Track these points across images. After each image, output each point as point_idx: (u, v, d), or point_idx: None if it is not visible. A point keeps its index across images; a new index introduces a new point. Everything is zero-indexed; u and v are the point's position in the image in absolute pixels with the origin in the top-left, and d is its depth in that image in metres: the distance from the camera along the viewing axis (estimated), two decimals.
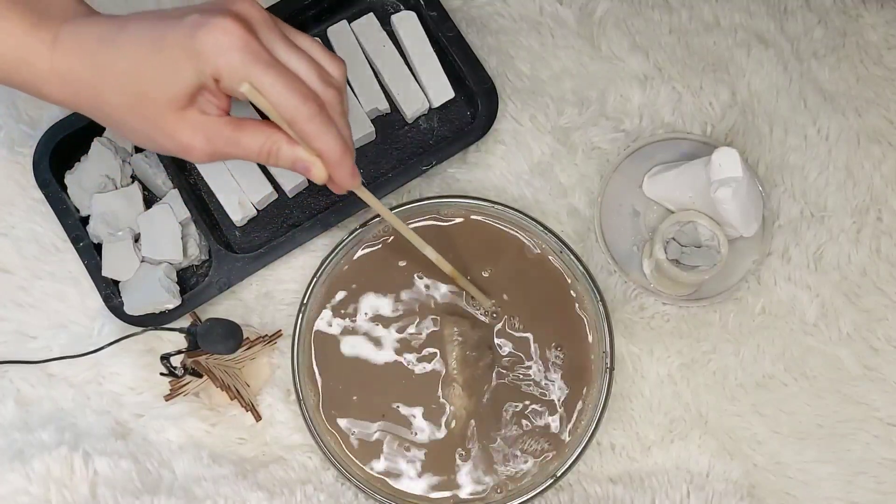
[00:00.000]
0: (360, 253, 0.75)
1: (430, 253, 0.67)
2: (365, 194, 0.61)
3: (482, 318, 0.73)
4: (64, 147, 0.75)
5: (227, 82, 0.53)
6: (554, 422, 0.72)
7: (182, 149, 0.56)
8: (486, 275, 0.74)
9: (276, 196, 0.77)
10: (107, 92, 0.55)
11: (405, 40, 0.78)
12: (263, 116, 0.58)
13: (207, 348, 0.66)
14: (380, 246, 0.75)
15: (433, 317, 0.73)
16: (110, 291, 0.73)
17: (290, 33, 0.57)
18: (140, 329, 0.70)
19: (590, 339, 0.74)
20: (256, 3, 0.55)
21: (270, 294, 0.76)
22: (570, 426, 0.72)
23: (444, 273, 0.69)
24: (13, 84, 0.57)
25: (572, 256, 0.73)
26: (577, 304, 0.74)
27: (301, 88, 0.54)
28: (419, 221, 0.75)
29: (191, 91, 0.54)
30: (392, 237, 0.75)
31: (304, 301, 0.73)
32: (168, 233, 0.73)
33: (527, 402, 0.72)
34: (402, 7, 0.80)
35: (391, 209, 0.74)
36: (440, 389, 0.72)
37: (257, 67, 0.52)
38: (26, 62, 0.55)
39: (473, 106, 0.78)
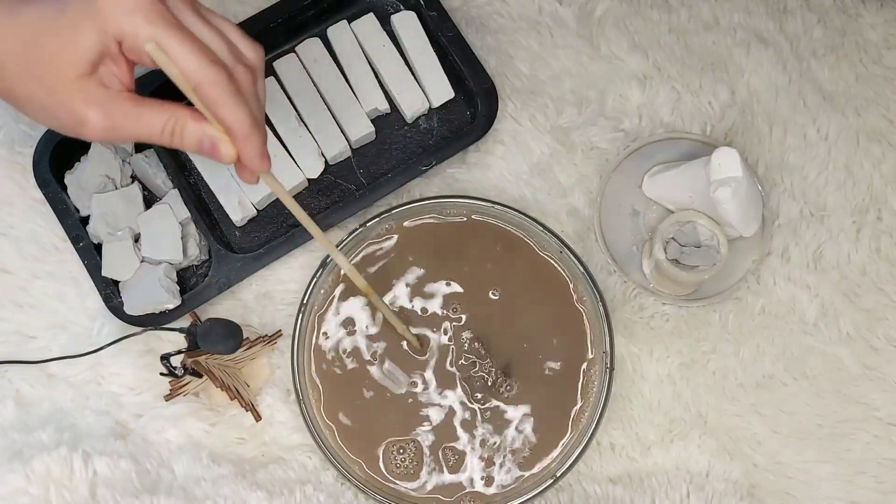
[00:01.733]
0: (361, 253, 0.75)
1: (342, 262, 0.63)
2: (273, 183, 0.57)
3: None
4: (64, 147, 0.75)
5: (132, 41, 0.50)
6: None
7: (77, 121, 0.52)
8: (483, 274, 0.74)
9: (276, 196, 0.77)
10: (7, 61, 0.52)
11: (405, 40, 0.78)
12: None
13: (207, 348, 0.66)
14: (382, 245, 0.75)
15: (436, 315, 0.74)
16: (110, 291, 0.73)
17: (202, 10, 0.54)
18: (140, 329, 0.70)
19: (589, 338, 0.73)
20: None
21: (270, 294, 0.76)
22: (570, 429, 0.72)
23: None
24: None
25: (572, 256, 0.73)
26: (576, 304, 0.74)
27: (208, 54, 0.51)
28: (419, 221, 0.75)
29: (92, 55, 0.51)
30: (396, 236, 0.75)
31: (304, 301, 0.73)
32: (168, 233, 0.73)
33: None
34: (402, 7, 0.80)
35: (391, 209, 0.74)
36: (441, 388, 0.73)
37: (162, 27, 0.50)
38: None
39: (473, 106, 0.78)
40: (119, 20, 0.50)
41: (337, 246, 0.73)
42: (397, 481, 0.71)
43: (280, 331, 0.75)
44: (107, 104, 0.52)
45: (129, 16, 0.50)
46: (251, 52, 0.55)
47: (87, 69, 0.51)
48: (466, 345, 0.73)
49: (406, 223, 0.75)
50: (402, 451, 0.72)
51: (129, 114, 0.52)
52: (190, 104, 0.53)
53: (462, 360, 0.73)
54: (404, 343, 0.73)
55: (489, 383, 0.73)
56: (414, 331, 0.72)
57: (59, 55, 0.51)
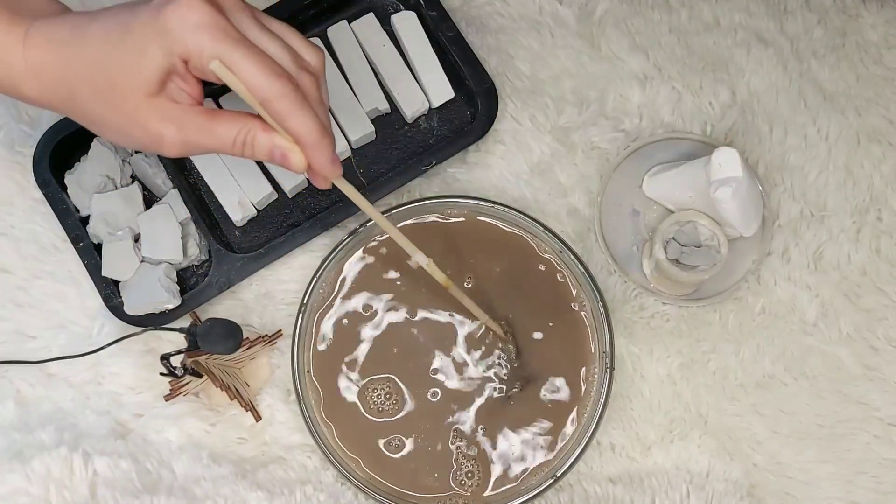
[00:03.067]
0: (358, 254, 0.75)
1: (420, 258, 0.64)
2: (347, 188, 0.58)
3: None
4: (64, 147, 0.75)
5: (197, 61, 0.51)
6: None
7: (153, 139, 0.53)
8: (485, 274, 0.74)
9: (276, 196, 0.77)
10: (78, 83, 0.53)
11: (405, 40, 0.78)
12: None
13: (207, 348, 0.66)
14: (380, 246, 0.75)
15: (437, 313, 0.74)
16: (110, 291, 0.73)
17: (263, 18, 0.55)
18: (140, 329, 0.70)
19: (590, 339, 0.73)
20: None
21: (270, 294, 0.76)
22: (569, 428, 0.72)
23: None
24: None
25: (572, 256, 0.73)
26: (576, 305, 0.74)
27: (274, 67, 0.52)
28: (419, 221, 0.75)
29: (160, 74, 0.52)
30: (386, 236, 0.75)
31: (304, 301, 0.73)
32: (168, 233, 0.73)
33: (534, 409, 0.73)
34: (402, 7, 0.80)
35: (391, 209, 0.74)
36: (441, 387, 0.73)
37: (227, 44, 0.51)
38: (2, 61, 0.54)
39: (473, 106, 0.78)
40: (185, 39, 0.50)
41: (337, 246, 0.74)
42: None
43: (280, 331, 0.75)
44: (180, 119, 0.53)
45: (195, 34, 0.50)
46: (313, 57, 0.56)
47: (157, 88, 0.52)
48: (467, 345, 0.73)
49: (405, 223, 0.75)
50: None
51: (202, 128, 0.53)
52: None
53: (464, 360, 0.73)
54: (490, 332, 0.73)
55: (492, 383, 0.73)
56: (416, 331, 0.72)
57: (127, 77, 0.52)
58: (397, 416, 0.72)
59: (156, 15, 0.50)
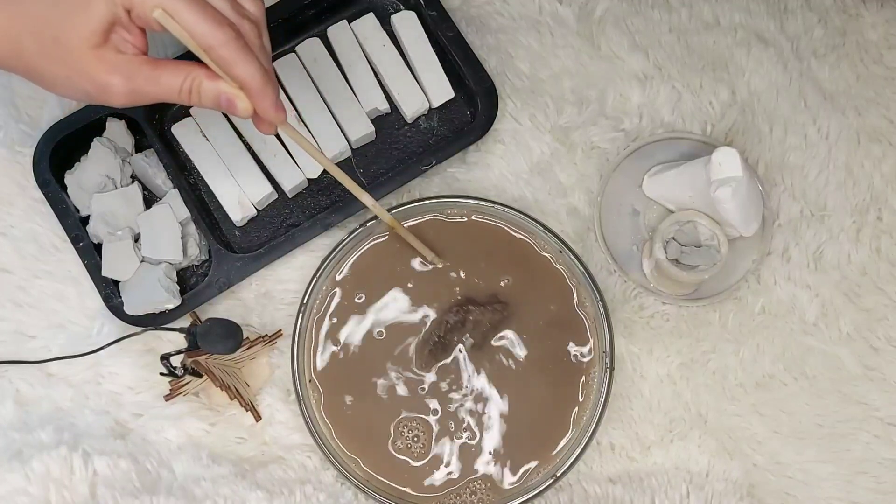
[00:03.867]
0: (359, 253, 0.75)
1: (367, 199, 0.67)
2: (291, 132, 0.60)
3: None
4: (64, 147, 0.75)
5: (140, 9, 0.52)
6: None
7: (100, 89, 0.54)
8: (483, 274, 0.74)
9: (276, 196, 0.77)
10: (23, 39, 0.54)
11: (405, 40, 0.78)
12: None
13: (207, 348, 0.66)
14: (383, 241, 0.75)
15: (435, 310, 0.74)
16: (110, 291, 0.73)
17: None
18: (140, 329, 0.70)
19: (589, 338, 0.73)
20: None
21: (270, 294, 0.76)
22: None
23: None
24: None
25: (572, 256, 0.73)
26: (576, 304, 0.74)
27: (215, 15, 0.53)
28: (419, 221, 0.75)
29: (104, 25, 0.53)
30: (388, 235, 0.75)
31: (304, 301, 0.73)
32: (168, 233, 0.73)
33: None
34: (402, 7, 0.80)
35: (391, 209, 0.74)
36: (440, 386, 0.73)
37: None
38: None
39: (473, 106, 0.78)
40: None
41: (337, 246, 0.74)
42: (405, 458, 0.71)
43: (280, 331, 0.75)
44: (126, 69, 0.54)
45: None
46: (252, 6, 0.57)
47: (102, 39, 0.53)
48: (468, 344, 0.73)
49: (405, 222, 0.75)
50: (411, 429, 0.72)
51: (149, 77, 0.55)
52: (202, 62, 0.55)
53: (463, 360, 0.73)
54: (417, 260, 0.74)
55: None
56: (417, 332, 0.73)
57: (72, 29, 0.53)
58: (398, 414, 0.73)
59: None
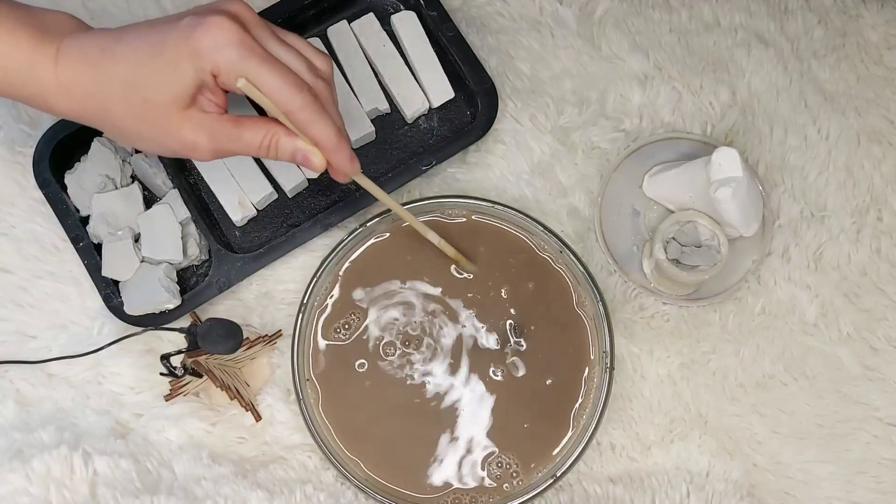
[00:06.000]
0: (358, 252, 0.75)
1: (432, 237, 0.71)
2: (365, 181, 0.64)
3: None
4: (64, 147, 0.75)
5: (225, 77, 0.55)
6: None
7: (187, 148, 0.58)
8: (483, 274, 0.74)
9: (276, 196, 0.77)
10: (111, 101, 0.57)
11: (405, 40, 0.78)
12: (261, 113, 0.61)
13: (207, 348, 0.66)
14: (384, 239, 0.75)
15: (438, 311, 0.74)
16: (110, 291, 0.73)
17: (278, 31, 0.59)
18: (140, 329, 0.70)
19: (590, 339, 0.73)
20: (247, 4, 0.57)
21: (270, 294, 0.76)
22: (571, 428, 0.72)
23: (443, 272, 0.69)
24: (22, 98, 0.59)
25: (572, 256, 0.73)
26: (576, 304, 0.74)
27: (294, 80, 0.56)
28: (419, 221, 0.75)
29: (192, 90, 0.55)
30: (388, 234, 0.75)
31: (304, 301, 0.73)
32: (168, 233, 0.73)
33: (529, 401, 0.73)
34: (402, 7, 0.80)
35: (391, 209, 0.74)
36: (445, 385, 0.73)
37: (252, 61, 0.55)
38: (33, 76, 0.57)
39: (473, 106, 0.78)
40: (215, 58, 0.54)
41: (337, 246, 0.74)
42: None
43: (280, 331, 0.75)
44: (211, 128, 0.57)
45: (224, 52, 0.54)
46: (323, 63, 0.61)
47: (189, 102, 0.56)
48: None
49: (405, 223, 0.75)
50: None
51: (231, 135, 0.58)
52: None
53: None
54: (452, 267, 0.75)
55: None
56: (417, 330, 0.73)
57: (161, 92, 0.55)
58: (398, 415, 0.73)
59: (188, 35, 0.54)
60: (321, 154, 0.59)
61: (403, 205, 0.74)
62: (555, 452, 0.72)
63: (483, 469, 0.72)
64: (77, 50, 0.57)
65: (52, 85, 0.57)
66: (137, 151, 0.76)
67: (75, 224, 0.74)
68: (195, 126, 0.57)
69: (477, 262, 0.74)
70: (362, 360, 0.73)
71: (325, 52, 0.61)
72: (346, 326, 0.74)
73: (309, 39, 0.78)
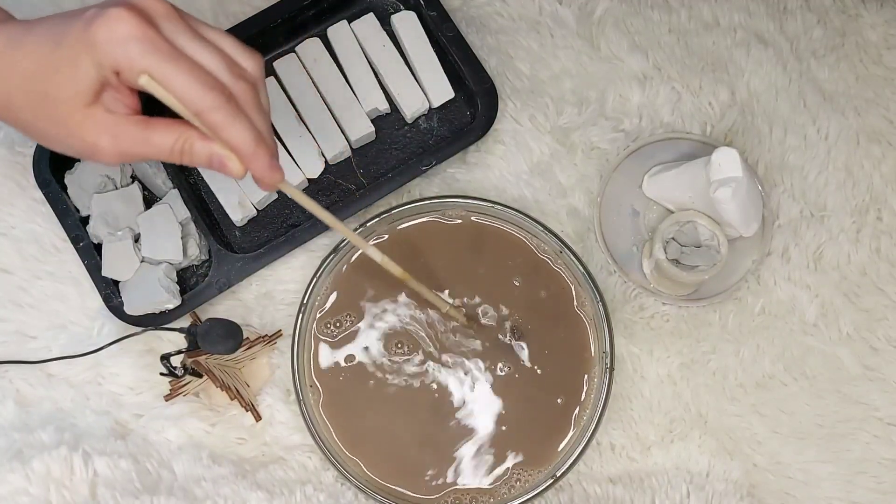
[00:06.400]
0: (358, 253, 0.75)
1: (374, 253, 0.63)
2: (291, 190, 0.58)
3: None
4: None
5: (128, 74, 0.51)
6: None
7: (89, 149, 0.54)
8: (484, 274, 0.74)
9: (276, 196, 0.77)
10: (12, 94, 0.53)
11: (405, 40, 0.78)
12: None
13: (207, 348, 0.66)
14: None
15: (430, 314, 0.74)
16: (110, 291, 0.73)
17: (197, 26, 0.54)
18: (140, 329, 0.70)
19: (590, 339, 0.74)
20: None
21: (270, 294, 0.76)
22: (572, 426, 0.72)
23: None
24: None
25: (572, 256, 0.73)
26: (576, 304, 0.74)
27: (205, 78, 0.52)
28: (419, 221, 0.75)
29: (93, 87, 0.52)
30: (388, 235, 0.75)
31: (304, 301, 0.73)
32: (168, 233, 0.73)
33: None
34: (402, 7, 0.80)
35: (391, 209, 0.74)
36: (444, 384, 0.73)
37: (155, 57, 0.50)
38: None
39: (473, 106, 0.78)
40: (114, 53, 0.50)
41: (337, 246, 0.74)
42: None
43: (280, 331, 0.75)
44: (115, 129, 0.53)
45: (123, 47, 0.50)
46: (249, 63, 0.55)
47: (91, 99, 0.52)
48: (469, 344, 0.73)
49: (403, 222, 0.75)
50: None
51: (138, 138, 0.53)
52: None
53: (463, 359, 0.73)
54: (451, 323, 0.73)
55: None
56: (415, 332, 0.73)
57: (61, 89, 0.52)
58: (398, 415, 0.73)
59: (86, 28, 0.50)
60: (238, 160, 0.54)
61: (398, 206, 0.74)
62: (555, 453, 0.72)
63: (483, 469, 0.72)
64: None
65: None
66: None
67: (75, 224, 0.74)
68: (97, 126, 0.52)
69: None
70: (362, 361, 0.73)
71: (256, 52, 0.56)
72: (347, 326, 0.74)
73: (308, 40, 0.78)
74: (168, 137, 0.53)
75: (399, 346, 0.73)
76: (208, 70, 0.52)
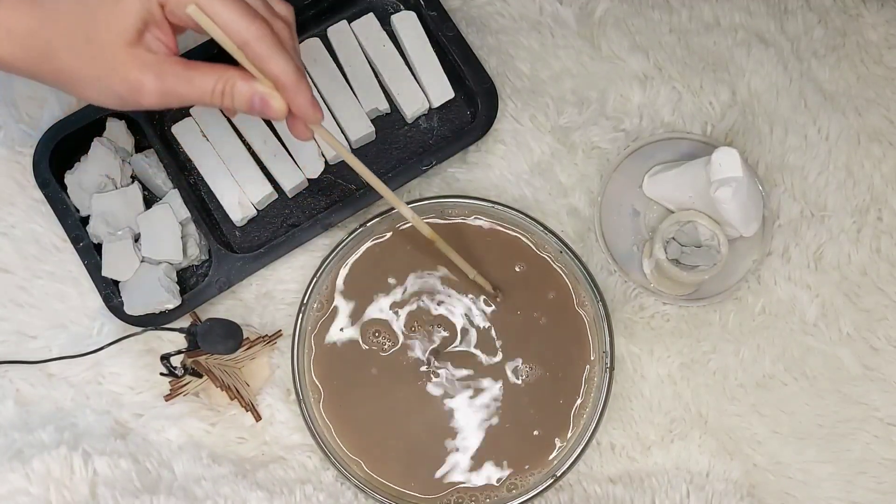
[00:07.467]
0: (360, 251, 0.75)
1: (406, 212, 0.65)
2: (326, 135, 0.58)
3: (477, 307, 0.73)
4: (64, 147, 0.75)
5: (174, 6, 0.51)
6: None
7: (132, 88, 0.53)
8: (484, 274, 0.74)
9: (276, 196, 0.77)
10: (53, 40, 0.53)
11: (405, 40, 0.78)
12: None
13: (207, 348, 0.66)
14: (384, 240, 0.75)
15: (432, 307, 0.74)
16: (110, 291, 0.73)
17: None
18: (140, 329, 0.70)
19: (590, 338, 0.73)
20: None
21: (270, 294, 0.76)
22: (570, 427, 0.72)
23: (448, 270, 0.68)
24: None
25: (572, 256, 0.73)
26: (576, 304, 0.74)
27: (249, 10, 0.52)
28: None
29: (136, 24, 0.52)
30: (388, 234, 0.75)
31: (304, 301, 0.73)
32: (168, 233, 0.73)
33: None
34: (402, 7, 0.80)
35: (391, 209, 0.74)
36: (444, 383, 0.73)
37: None
38: None
39: (473, 106, 0.78)
40: None
41: (337, 246, 0.74)
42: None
43: (280, 331, 0.75)
44: (159, 68, 0.53)
45: None
46: (282, 7, 0.57)
47: (135, 36, 0.52)
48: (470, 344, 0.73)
49: (405, 223, 0.75)
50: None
51: (181, 77, 0.54)
52: (236, 64, 0.54)
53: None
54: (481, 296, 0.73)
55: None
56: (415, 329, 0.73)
57: (105, 26, 0.52)
58: (398, 415, 0.72)
59: None
60: (281, 98, 0.54)
61: (392, 208, 0.74)
62: (555, 452, 0.72)
63: (483, 469, 0.72)
64: None
65: None
66: (138, 151, 0.76)
67: (75, 224, 0.74)
68: (141, 64, 0.52)
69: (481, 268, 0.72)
70: (362, 361, 0.73)
71: (287, 2, 0.57)
72: (347, 326, 0.74)
73: (308, 40, 0.78)
74: (210, 78, 0.54)
75: (399, 345, 0.73)
76: (250, 4, 0.53)
